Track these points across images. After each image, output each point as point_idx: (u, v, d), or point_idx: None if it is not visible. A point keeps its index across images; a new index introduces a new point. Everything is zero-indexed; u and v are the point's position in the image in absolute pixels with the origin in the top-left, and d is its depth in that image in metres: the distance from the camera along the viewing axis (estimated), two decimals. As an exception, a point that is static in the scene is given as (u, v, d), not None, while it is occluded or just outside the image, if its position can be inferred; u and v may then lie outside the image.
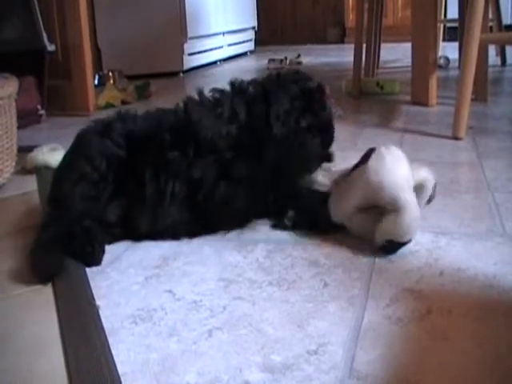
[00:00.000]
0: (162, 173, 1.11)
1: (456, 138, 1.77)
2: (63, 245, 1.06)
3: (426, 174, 1.10)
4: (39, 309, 0.94)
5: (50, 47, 2.62)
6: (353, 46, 2.76)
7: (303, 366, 0.73)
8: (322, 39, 5.61)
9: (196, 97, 1.22)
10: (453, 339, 0.77)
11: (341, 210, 1.09)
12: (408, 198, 1.00)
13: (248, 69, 4.13)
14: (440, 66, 3.08)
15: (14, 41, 2.48)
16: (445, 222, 1.16)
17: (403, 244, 1.01)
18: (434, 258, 1.00)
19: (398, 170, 1.04)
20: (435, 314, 0.83)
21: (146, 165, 1.12)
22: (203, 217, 1.13)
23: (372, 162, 1.05)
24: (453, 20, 3.58)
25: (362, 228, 1.07)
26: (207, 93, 1.22)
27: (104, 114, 1.28)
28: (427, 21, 2.27)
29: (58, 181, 1.19)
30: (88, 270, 1.05)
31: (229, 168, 1.12)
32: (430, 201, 1.13)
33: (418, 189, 1.07)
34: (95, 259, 1.07)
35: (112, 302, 0.93)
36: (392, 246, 1.01)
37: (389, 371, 0.71)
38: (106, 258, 1.08)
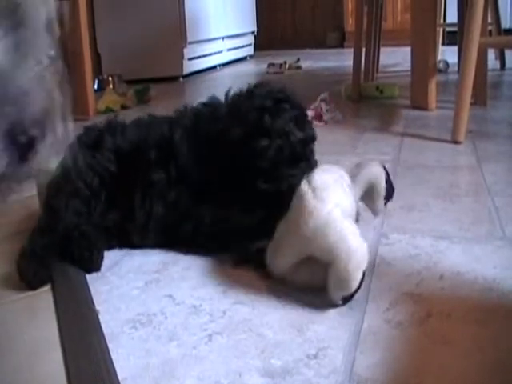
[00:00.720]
0: (147, 193, 1.12)
1: (455, 141, 1.77)
2: (60, 250, 1.06)
3: (375, 171, 1.01)
4: (39, 314, 0.94)
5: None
6: (352, 50, 2.76)
7: (303, 371, 0.73)
8: (321, 43, 5.63)
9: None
10: (453, 343, 0.77)
11: (277, 264, 0.94)
12: (340, 246, 0.85)
13: (247, 73, 4.14)
14: (439, 70, 3.08)
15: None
16: (444, 225, 1.16)
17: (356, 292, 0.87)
18: (434, 261, 1.00)
19: (325, 205, 0.88)
20: (435, 318, 0.83)
21: (134, 183, 1.13)
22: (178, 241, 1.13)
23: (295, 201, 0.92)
24: (452, 24, 3.59)
25: (306, 283, 0.93)
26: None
27: (103, 118, 1.28)
28: (427, 25, 2.28)
29: (53, 190, 1.18)
30: (87, 275, 1.05)
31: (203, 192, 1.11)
32: (388, 197, 1.02)
33: (370, 190, 1.01)
34: (94, 265, 1.07)
35: (112, 306, 0.93)
36: (347, 298, 0.87)
37: (389, 375, 0.71)
38: (105, 263, 1.08)
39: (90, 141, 1.20)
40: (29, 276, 1.03)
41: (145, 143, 1.16)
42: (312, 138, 1.12)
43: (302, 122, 1.11)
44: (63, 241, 1.08)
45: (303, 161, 1.08)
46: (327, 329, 0.82)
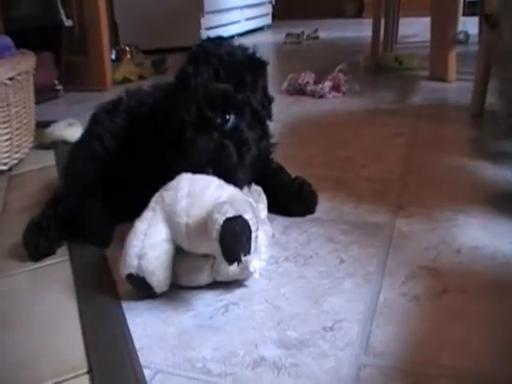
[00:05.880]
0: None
1: (474, 115, 1.74)
2: (72, 224, 1.07)
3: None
4: (56, 284, 0.96)
5: (67, 22, 2.62)
6: (371, 20, 2.72)
7: (319, 343, 0.74)
8: (339, 13, 5.54)
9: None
10: (469, 318, 0.77)
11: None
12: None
13: (265, 43, 4.09)
14: (459, 41, 3.02)
15: (31, 16, 2.47)
16: (462, 199, 1.15)
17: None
18: (451, 235, 1.00)
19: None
20: (452, 293, 0.83)
21: (149, 142, 1.10)
22: None
23: None
24: (473, -6, 3.51)
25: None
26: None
27: (121, 88, 1.28)
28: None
29: (72, 157, 1.20)
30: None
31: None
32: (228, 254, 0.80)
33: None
34: (105, 240, 1.06)
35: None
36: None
37: (404, 349, 0.72)
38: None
39: (110, 106, 1.21)
40: (31, 248, 1.04)
41: (161, 106, 1.13)
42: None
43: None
44: (74, 214, 1.08)
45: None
46: (343, 301, 0.82)
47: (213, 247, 0.81)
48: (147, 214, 0.88)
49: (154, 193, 0.91)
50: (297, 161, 1.43)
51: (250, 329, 0.78)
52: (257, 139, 1.03)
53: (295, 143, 1.60)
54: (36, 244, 1.04)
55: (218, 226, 0.79)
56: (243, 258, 0.78)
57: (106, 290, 0.91)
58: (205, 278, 0.87)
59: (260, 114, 1.04)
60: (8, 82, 1.53)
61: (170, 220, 0.86)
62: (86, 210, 1.08)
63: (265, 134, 1.09)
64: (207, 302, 0.85)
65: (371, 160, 1.40)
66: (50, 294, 0.93)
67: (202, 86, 0.97)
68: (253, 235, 0.80)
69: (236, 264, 0.78)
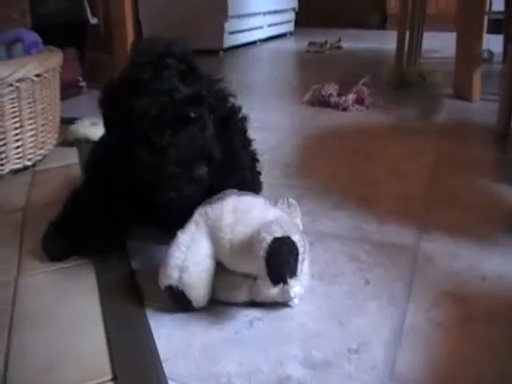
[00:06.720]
0: None
1: (499, 136, 1.74)
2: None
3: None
4: (80, 286, 0.96)
5: (93, 20, 2.64)
6: (393, 32, 2.71)
7: (344, 364, 0.74)
8: (361, 24, 5.54)
9: None
10: (494, 347, 0.77)
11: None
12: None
13: (288, 50, 4.10)
14: (484, 60, 3.02)
15: (58, 12, 2.49)
16: (487, 224, 1.14)
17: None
18: (476, 261, 0.99)
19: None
20: (477, 320, 0.83)
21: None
22: None
23: None
24: (497, 12, 3.50)
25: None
26: None
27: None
28: (474, 12, 2.22)
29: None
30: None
31: None
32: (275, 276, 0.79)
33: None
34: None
35: (154, 286, 0.94)
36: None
37: (430, 377, 0.71)
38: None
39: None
40: (48, 249, 1.04)
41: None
42: (200, 96, 0.96)
43: (190, 77, 0.95)
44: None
45: (191, 123, 0.94)
46: (368, 323, 0.82)
47: (255, 267, 0.80)
48: (190, 227, 0.88)
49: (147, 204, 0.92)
50: (319, 174, 1.43)
51: (275, 345, 0.78)
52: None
53: (317, 156, 1.60)
54: (53, 246, 1.04)
55: (265, 245, 0.78)
56: (288, 280, 0.77)
57: (130, 297, 0.91)
58: (243, 296, 0.87)
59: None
60: (35, 78, 1.54)
61: (214, 235, 0.86)
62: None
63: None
64: (232, 316, 0.85)
65: (394, 177, 1.40)
66: (74, 296, 0.93)
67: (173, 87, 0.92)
68: (300, 257, 0.79)
69: (281, 285, 0.77)
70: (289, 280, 0.77)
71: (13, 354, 0.78)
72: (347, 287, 0.92)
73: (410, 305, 0.87)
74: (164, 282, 0.85)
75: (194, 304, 0.85)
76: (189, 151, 0.91)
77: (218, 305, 0.87)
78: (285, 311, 0.86)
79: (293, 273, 0.77)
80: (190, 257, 0.85)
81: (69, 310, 0.89)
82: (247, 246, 0.82)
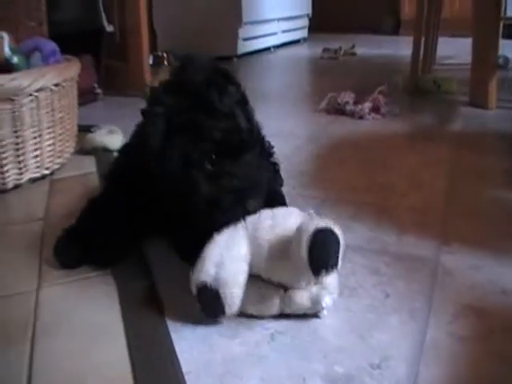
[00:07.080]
0: None
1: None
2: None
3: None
4: (101, 297, 0.96)
5: (109, 28, 2.66)
6: (407, 38, 2.70)
7: (366, 380, 0.74)
8: (375, 30, 5.54)
9: None
10: (517, 363, 0.77)
11: None
12: None
13: (302, 56, 4.11)
14: (499, 66, 3.00)
15: (74, 21, 2.51)
16: (507, 236, 1.14)
17: None
18: (497, 275, 0.99)
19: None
20: (498, 335, 0.82)
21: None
22: None
23: None
24: (512, 18, 3.47)
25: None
26: None
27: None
28: (490, 18, 2.21)
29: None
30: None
31: None
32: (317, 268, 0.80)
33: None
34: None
35: (174, 298, 0.94)
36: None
37: (453, 392, 0.71)
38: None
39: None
40: (60, 256, 1.05)
41: None
42: (253, 126, 0.97)
43: (245, 108, 0.97)
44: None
45: (246, 152, 0.94)
46: (389, 337, 0.82)
47: (292, 269, 0.82)
48: (228, 230, 0.89)
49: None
50: (336, 184, 1.43)
51: (297, 360, 0.78)
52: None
53: (335, 165, 1.60)
54: (66, 254, 1.05)
55: (308, 235, 0.79)
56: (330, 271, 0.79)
57: (151, 308, 0.91)
58: (274, 308, 0.87)
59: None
60: (54, 88, 1.55)
61: (252, 236, 0.87)
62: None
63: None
64: (253, 330, 0.85)
65: (412, 187, 1.40)
66: (95, 308, 0.93)
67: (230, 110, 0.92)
68: (341, 249, 0.80)
69: (324, 272, 0.78)
70: (330, 271, 0.78)
71: (36, 367, 0.79)
72: (367, 300, 0.92)
73: (431, 319, 0.86)
74: (200, 277, 0.83)
75: (227, 309, 0.83)
76: (245, 182, 0.92)
77: (238, 318, 0.87)
78: (305, 324, 0.86)
79: (335, 264, 0.79)
80: (227, 254, 0.85)
81: (90, 321, 0.90)
82: (285, 248, 0.83)
